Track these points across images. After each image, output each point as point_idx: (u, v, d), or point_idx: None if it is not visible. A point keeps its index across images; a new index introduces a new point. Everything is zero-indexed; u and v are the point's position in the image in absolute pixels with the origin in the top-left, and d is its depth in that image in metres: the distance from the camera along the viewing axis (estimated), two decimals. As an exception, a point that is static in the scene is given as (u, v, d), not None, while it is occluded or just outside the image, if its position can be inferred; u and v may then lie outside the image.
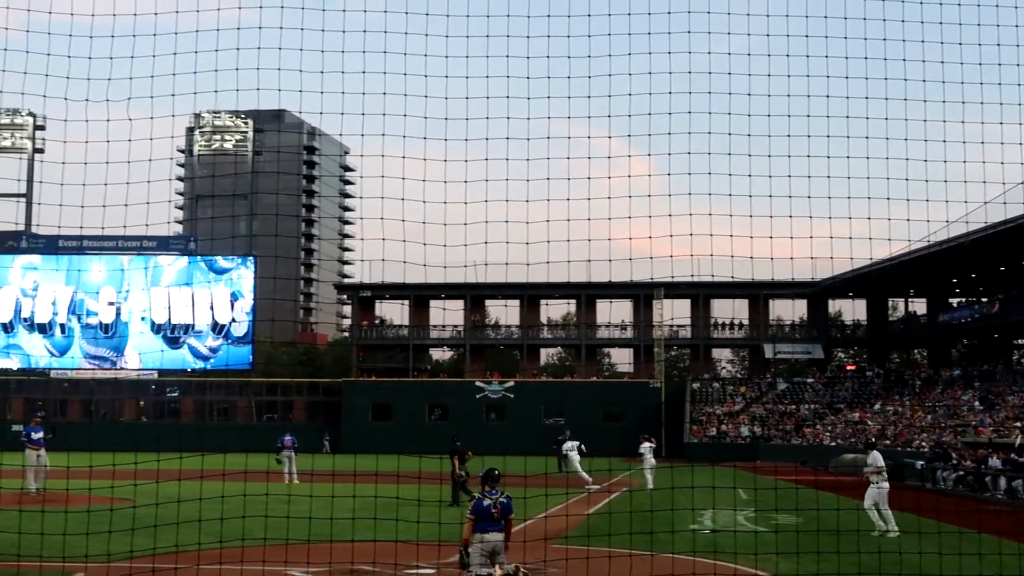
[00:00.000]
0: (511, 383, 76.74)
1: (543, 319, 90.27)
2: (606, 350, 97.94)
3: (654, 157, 22.12)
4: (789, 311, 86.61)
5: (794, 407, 72.97)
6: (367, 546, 16.36)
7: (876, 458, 24.20)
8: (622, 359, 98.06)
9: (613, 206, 21.10)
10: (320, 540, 17.26)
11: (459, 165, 20.62)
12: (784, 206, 23.34)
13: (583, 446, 40.58)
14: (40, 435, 32.09)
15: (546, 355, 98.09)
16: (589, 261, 24.50)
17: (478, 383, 76.96)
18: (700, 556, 17.67)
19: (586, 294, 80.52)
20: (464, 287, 75.85)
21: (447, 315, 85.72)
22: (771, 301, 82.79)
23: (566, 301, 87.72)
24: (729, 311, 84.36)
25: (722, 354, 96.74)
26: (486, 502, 12.65)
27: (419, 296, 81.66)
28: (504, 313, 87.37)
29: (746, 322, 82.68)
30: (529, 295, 79.71)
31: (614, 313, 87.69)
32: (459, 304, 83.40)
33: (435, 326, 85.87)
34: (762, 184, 21.47)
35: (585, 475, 37.63)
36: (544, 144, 21.77)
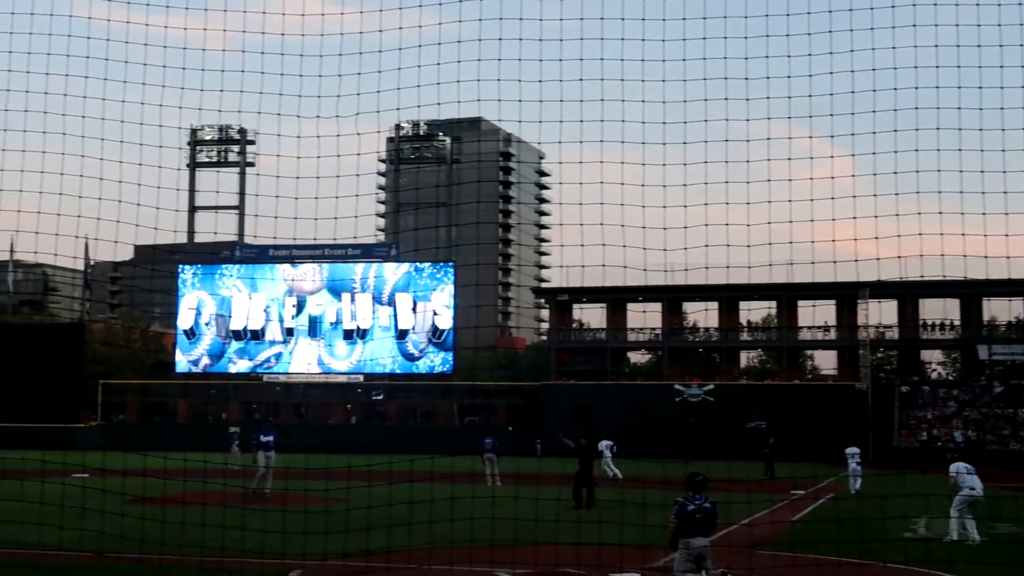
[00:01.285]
0: (711, 386, 75.79)
1: (743, 321, 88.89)
2: (808, 352, 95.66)
3: (858, 157, 21.54)
4: (1005, 311, 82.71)
5: (1012, 411, 69.65)
6: (571, 549, 16.49)
7: (957, 468, 22.40)
8: (826, 362, 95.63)
9: (816, 208, 20.66)
10: (525, 542, 17.47)
11: (657, 169, 20.56)
12: (998, 203, 22.35)
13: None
14: (270, 438, 33.56)
15: (746, 358, 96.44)
16: (791, 264, 24.08)
17: (677, 386, 76.28)
18: (913, 566, 17.09)
19: (787, 296, 78.80)
20: (662, 290, 75.23)
21: (645, 318, 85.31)
22: (985, 300, 79.17)
23: (766, 303, 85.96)
24: (939, 311, 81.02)
25: (932, 356, 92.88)
26: (690, 507, 12.55)
27: (616, 299, 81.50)
28: (703, 316, 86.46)
29: (958, 323, 79.31)
30: (728, 297, 78.59)
31: (817, 315, 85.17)
32: (657, 307, 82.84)
33: (633, 329, 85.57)
34: (973, 180, 20.66)
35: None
36: (743, 147, 21.53)
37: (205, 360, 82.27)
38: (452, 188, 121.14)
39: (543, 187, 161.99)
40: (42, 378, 71.22)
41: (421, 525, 16.81)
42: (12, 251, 66.10)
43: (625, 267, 20.66)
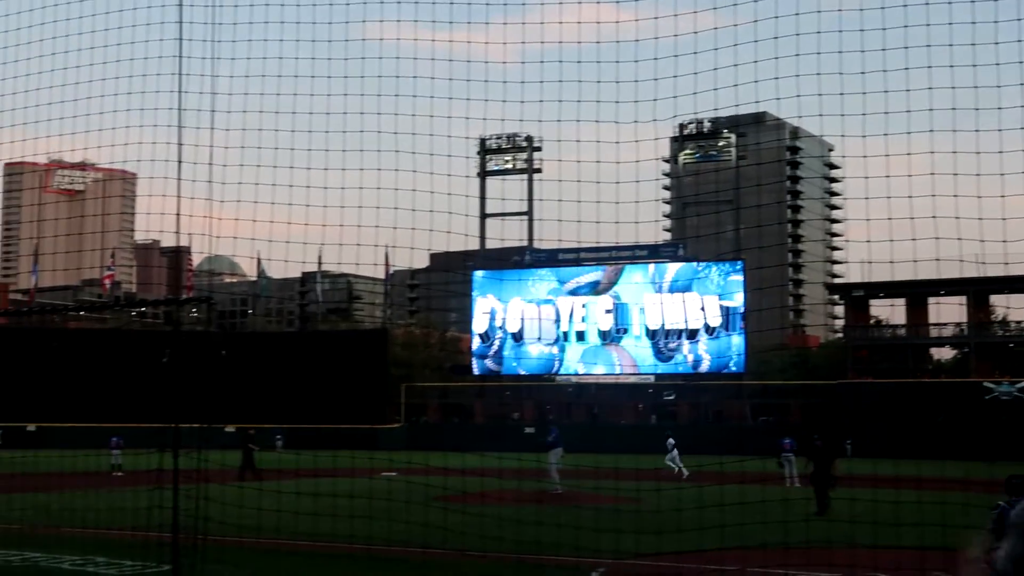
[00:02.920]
0: None
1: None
2: None
3: None
4: None
5: None
6: (868, 552, 15.82)
7: None
8: None
9: None
10: (818, 543, 16.86)
11: (970, 158, 19.05)
12: None
13: None
14: (554, 436, 34.55)
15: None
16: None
17: (986, 383, 72.04)
18: None
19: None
20: (967, 282, 71.17)
21: (948, 312, 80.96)
22: None
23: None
24: None
25: None
26: (1013, 512, 11.65)
27: (915, 293, 77.83)
28: (1013, 309, 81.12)
29: None
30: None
31: None
32: (961, 300, 78.57)
33: (935, 324, 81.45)
34: None
35: None
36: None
37: (499, 363, 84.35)
38: (738, 185, 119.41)
39: (833, 180, 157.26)
40: (349, 382, 75.17)
41: (712, 525, 16.55)
42: (320, 263, 70.37)
43: (938, 259, 19.31)
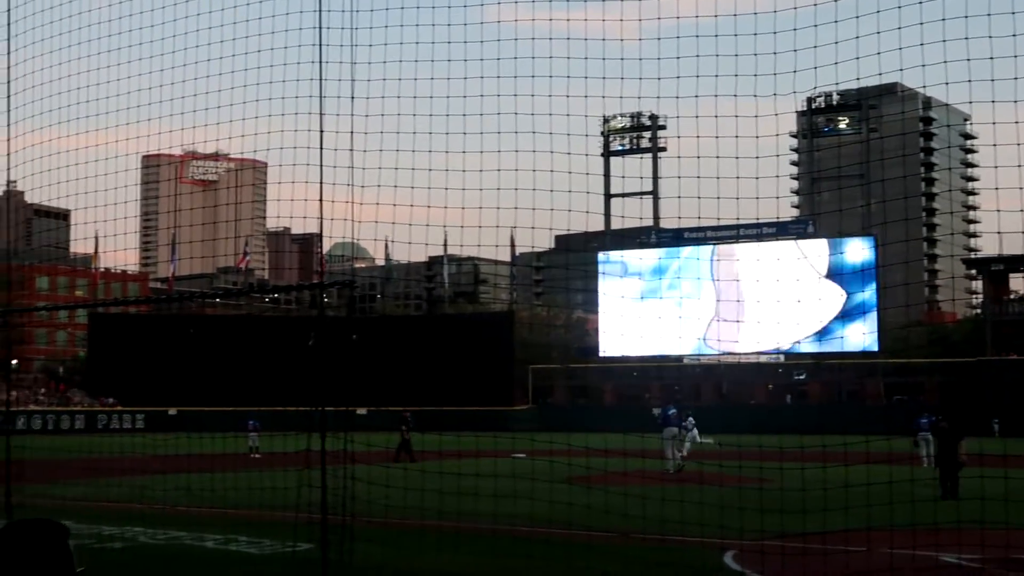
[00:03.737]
0: None
1: None
2: None
3: None
4: None
5: None
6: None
7: None
8: None
9: None
10: (970, 525, 16.30)
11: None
12: None
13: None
14: (672, 412, 34.84)
15: None
16: None
17: None
18: None
19: None
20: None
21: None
22: None
23: None
24: None
25: None
26: None
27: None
28: None
29: None
30: None
31: None
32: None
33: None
34: None
35: None
36: None
37: (628, 343, 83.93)
38: (869, 159, 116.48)
39: (969, 151, 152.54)
40: (477, 364, 75.80)
41: (859, 508, 16.15)
42: (446, 246, 70.91)
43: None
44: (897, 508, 15.92)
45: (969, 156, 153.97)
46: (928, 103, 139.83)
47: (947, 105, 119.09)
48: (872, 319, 76.75)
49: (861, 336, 76.55)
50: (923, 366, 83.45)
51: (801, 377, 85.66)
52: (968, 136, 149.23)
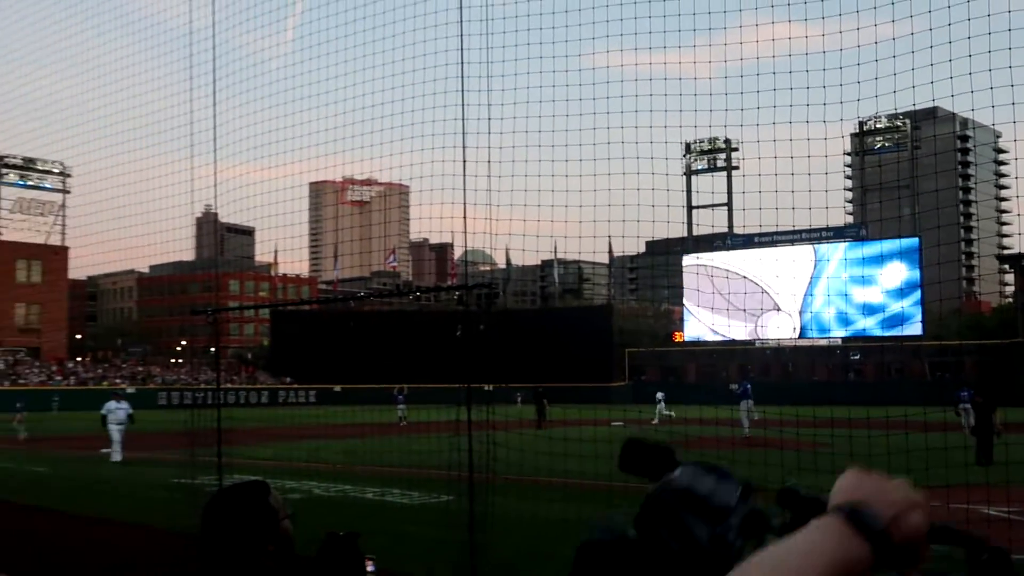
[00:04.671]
0: None
1: None
2: None
3: None
4: None
5: None
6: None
7: None
8: None
9: None
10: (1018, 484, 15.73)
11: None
12: None
13: None
14: (747, 388, 35.44)
15: None
16: None
17: None
18: None
19: None
20: None
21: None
22: None
23: None
24: None
25: None
26: None
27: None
28: None
29: None
30: None
31: None
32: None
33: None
34: None
35: None
36: None
37: (706, 330, 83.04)
38: (914, 172, 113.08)
39: (1001, 163, 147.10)
40: (583, 348, 75.87)
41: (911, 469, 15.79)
42: (555, 252, 71.10)
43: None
44: (942, 470, 15.56)
45: (1001, 167, 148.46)
46: (965, 123, 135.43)
47: (969, 124, 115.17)
48: (917, 308, 74.55)
49: (907, 322, 74.49)
50: (962, 348, 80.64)
51: (856, 358, 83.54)
52: (1000, 150, 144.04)
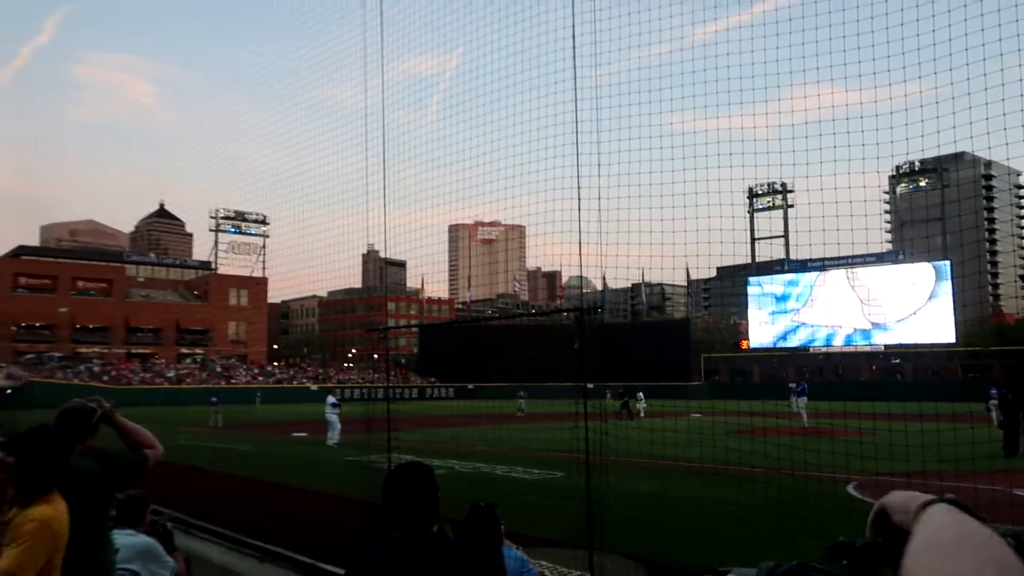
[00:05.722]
0: None
1: None
2: None
3: None
4: None
5: None
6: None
7: None
8: None
9: None
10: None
11: None
12: None
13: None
14: (804, 386, 34.27)
15: None
16: None
17: None
18: None
19: None
20: None
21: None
22: None
23: None
24: None
25: None
26: None
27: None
28: None
29: None
30: None
31: None
32: None
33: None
34: None
35: None
36: None
37: (768, 338, 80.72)
38: (944, 206, 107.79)
39: (1021, 196, 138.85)
40: (666, 354, 74.66)
41: (939, 459, 15.00)
42: (643, 276, 70.90)
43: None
44: (973, 459, 14.72)
45: (1021, 200, 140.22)
46: (988, 164, 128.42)
47: (986, 163, 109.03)
48: (950, 319, 70.76)
49: (942, 331, 70.77)
50: (990, 353, 76.02)
51: (897, 362, 79.71)
52: (1019, 186, 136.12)
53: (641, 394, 41.28)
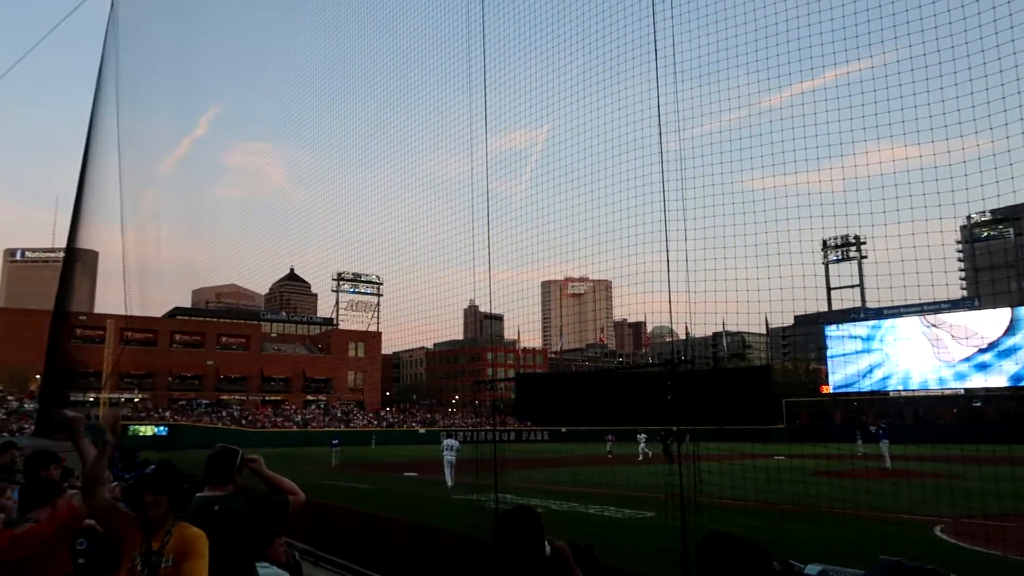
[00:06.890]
0: None
1: None
2: None
3: None
4: None
5: None
6: None
7: None
8: None
9: None
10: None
11: None
12: None
13: None
14: (885, 429, 31.91)
15: None
16: None
17: None
18: None
19: None
20: None
21: None
22: None
23: None
24: None
25: None
26: None
27: None
28: None
29: None
30: None
31: None
32: None
33: None
34: None
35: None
36: None
37: (848, 382, 76.90)
38: (1019, 249, 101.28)
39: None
40: (747, 399, 72.09)
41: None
42: (724, 325, 69.42)
43: None
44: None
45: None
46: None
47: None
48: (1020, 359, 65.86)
49: (1020, 375, 65.82)
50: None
51: (978, 404, 74.33)
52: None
53: (643, 435, 39.09)
